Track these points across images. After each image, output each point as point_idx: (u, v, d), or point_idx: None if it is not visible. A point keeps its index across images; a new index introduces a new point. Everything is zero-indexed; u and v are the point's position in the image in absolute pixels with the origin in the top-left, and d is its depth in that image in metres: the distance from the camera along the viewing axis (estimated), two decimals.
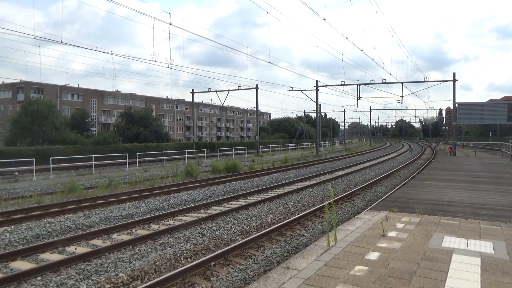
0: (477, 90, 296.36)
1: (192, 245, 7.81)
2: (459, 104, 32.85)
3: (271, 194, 14.08)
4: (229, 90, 41.63)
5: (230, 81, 70.54)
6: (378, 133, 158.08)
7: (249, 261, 6.91)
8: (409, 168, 25.03)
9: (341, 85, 37.80)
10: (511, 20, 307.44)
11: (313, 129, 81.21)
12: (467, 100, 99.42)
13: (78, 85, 65.08)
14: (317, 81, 41.64)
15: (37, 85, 57.49)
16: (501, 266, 4.76)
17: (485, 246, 5.59)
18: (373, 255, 5.19)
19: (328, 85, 41.63)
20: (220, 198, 13.08)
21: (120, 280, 5.96)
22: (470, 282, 4.24)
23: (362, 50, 27.27)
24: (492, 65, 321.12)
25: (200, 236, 8.49)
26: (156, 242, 8.04)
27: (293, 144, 59.04)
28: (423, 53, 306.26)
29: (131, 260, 6.92)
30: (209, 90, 43.46)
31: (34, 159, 21.10)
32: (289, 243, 7.98)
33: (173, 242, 8.02)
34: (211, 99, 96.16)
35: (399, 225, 6.89)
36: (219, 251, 7.02)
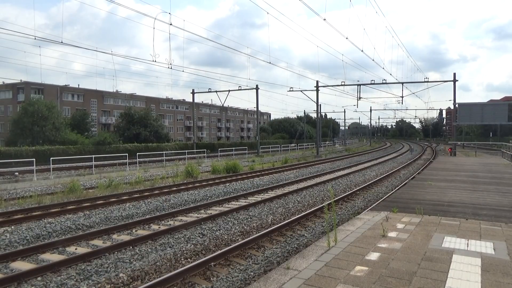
0: (475, 91, 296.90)
1: (193, 245, 7.80)
2: (460, 104, 32.84)
3: (271, 194, 14.08)
4: (229, 91, 41.67)
5: (230, 82, 70.72)
6: (378, 133, 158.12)
7: (249, 262, 6.91)
8: (409, 168, 25.03)
9: (342, 85, 37.82)
10: (507, 21, 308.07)
11: (313, 130, 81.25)
12: (465, 100, 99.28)
13: (79, 85, 65.27)
14: (317, 82, 41.69)
15: (37, 85, 57.56)
16: (501, 267, 4.75)
17: (486, 247, 5.58)
18: (374, 256, 5.19)
19: (328, 86, 41.70)
20: (221, 198, 13.08)
21: (120, 281, 5.96)
22: (470, 283, 4.24)
23: (362, 51, 27.31)
24: (490, 66, 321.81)
25: (201, 236, 8.49)
26: (156, 242, 8.04)
27: (293, 145, 59.05)
28: (421, 54, 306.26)
29: (132, 260, 6.92)
30: (209, 90, 43.52)
31: (34, 159, 21.14)
32: (290, 244, 7.97)
33: (173, 242, 8.02)
34: (211, 100, 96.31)
35: (400, 226, 6.89)
36: (219, 252, 7.02)
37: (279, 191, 14.75)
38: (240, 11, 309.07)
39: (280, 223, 9.42)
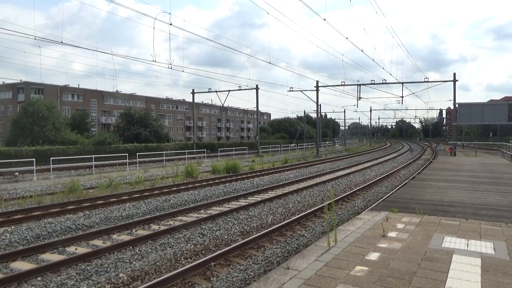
0: (475, 91, 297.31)
1: (192, 245, 7.80)
2: (460, 104, 32.83)
3: (271, 194, 14.08)
4: (229, 91, 41.68)
5: (230, 82, 70.82)
6: (378, 133, 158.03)
7: (249, 262, 6.91)
8: (409, 168, 25.02)
9: (342, 85, 37.83)
10: (507, 21, 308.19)
11: (313, 130, 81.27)
12: (465, 100, 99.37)
13: (79, 85, 65.27)
14: (317, 82, 41.71)
15: (37, 85, 57.57)
16: (501, 267, 4.75)
17: (486, 247, 5.58)
18: (374, 256, 5.18)
19: (328, 86, 41.72)
20: (220, 198, 13.08)
21: (120, 281, 5.96)
22: (470, 283, 4.24)
23: (362, 51, 27.33)
24: (490, 66, 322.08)
25: (200, 236, 8.49)
26: (156, 242, 8.04)
27: (293, 145, 59.06)
28: (421, 54, 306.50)
29: (132, 260, 6.92)
30: (209, 90, 43.54)
31: (34, 159, 21.13)
32: (290, 244, 7.97)
33: (173, 242, 8.02)
34: (211, 100, 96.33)
35: (400, 226, 6.89)
36: (219, 252, 7.02)
37: (279, 191, 14.74)
38: (240, 11, 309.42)
39: (280, 223, 9.42)
